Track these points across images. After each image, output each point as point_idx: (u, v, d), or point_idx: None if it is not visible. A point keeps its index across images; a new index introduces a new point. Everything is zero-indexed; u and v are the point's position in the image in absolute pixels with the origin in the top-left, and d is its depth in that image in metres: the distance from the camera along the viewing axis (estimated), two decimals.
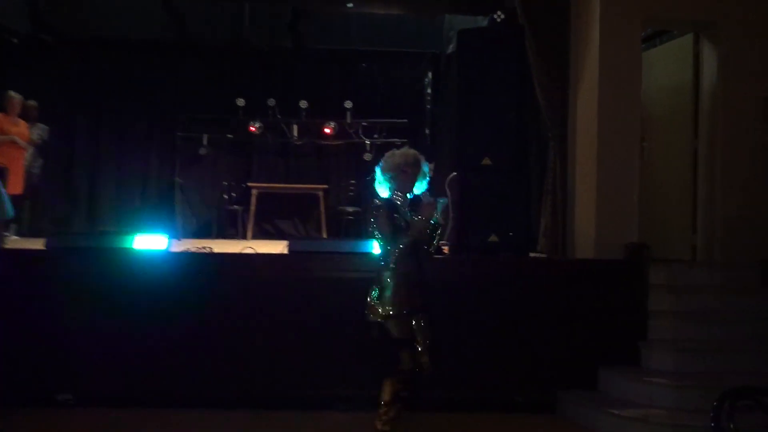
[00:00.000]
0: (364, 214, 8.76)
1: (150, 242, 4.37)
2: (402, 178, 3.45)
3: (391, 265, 3.39)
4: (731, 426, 2.76)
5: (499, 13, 5.01)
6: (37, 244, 4.79)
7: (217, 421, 4.17)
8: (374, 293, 3.41)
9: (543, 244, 5.51)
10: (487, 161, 4.75)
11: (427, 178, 3.52)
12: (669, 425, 3.96)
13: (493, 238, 4.63)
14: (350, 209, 8.61)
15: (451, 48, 8.67)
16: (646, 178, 5.56)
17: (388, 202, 3.47)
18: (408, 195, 3.47)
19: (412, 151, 3.53)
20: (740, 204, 5.35)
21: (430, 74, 9.07)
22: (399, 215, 3.39)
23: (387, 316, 3.36)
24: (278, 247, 5.06)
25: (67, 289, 4.32)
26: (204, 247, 4.62)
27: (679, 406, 4.09)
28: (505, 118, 4.87)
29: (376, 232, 3.42)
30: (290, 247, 4.64)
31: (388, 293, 3.36)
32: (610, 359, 4.53)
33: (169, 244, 4.52)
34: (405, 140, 8.78)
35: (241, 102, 8.43)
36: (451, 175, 5.00)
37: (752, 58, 5.38)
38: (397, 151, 3.53)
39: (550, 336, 4.56)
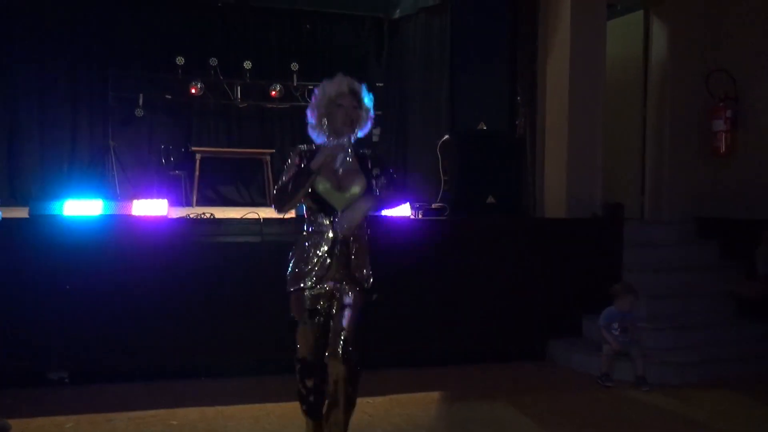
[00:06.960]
0: None
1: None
2: (338, 114, 2.65)
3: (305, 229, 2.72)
4: None
5: None
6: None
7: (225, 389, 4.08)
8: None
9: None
10: (482, 126, 4.89)
11: (371, 117, 2.74)
12: (655, 362, 4.44)
13: (491, 199, 4.82)
14: None
15: (397, 13, 8.69)
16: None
17: (307, 149, 2.71)
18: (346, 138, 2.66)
19: (346, 78, 2.70)
20: (682, 169, 5.99)
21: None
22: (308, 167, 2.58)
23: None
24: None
25: (53, 260, 3.98)
26: (204, 214, 4.40)
27: (657, 345, 4.61)
28: (494, 82, 5.02)
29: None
30: None
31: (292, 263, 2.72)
32: (592, 308, 4.94)
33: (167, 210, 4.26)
34: None
35: (180, 60, 7.93)
36: (443, 138, 5.11)
37: (696, 36, 5.96)
38: (326, 81, 2.71)
39: (540, 290, 4.88)
